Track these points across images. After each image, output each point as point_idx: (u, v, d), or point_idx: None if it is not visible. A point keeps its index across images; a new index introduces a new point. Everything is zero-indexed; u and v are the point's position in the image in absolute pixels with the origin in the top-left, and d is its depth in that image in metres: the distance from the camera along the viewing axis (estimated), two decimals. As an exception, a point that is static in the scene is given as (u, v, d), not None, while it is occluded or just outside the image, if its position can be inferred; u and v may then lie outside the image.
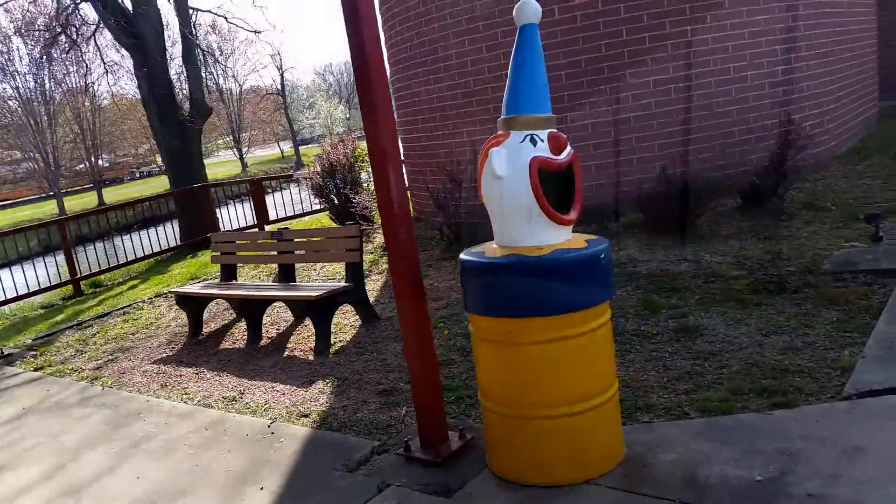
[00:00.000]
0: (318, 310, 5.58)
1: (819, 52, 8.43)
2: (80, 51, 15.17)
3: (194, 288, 6.74)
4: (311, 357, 5.59)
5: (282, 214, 12.94)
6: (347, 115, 67.53)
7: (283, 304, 6.59)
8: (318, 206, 11.74)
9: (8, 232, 11.35)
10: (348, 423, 4.27)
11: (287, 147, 63.67)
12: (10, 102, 41.24)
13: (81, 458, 4.33)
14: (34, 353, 7.22)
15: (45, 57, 27.33)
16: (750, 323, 4.75)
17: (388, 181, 3.41)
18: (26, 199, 51.49)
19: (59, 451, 4.49)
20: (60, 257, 11.30)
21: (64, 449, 4.51)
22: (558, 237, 3.18)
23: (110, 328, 7.75)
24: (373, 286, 7.16)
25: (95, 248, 12.11)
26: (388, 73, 3.46)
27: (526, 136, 3.12)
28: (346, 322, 6.21)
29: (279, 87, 58.94)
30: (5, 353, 7.20)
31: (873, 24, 11.45)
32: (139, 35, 11.81)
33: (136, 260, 11.92)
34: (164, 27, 13.03)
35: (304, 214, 12.90)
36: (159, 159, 50.01)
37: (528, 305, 3.06)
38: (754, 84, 7.80)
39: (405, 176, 3.69)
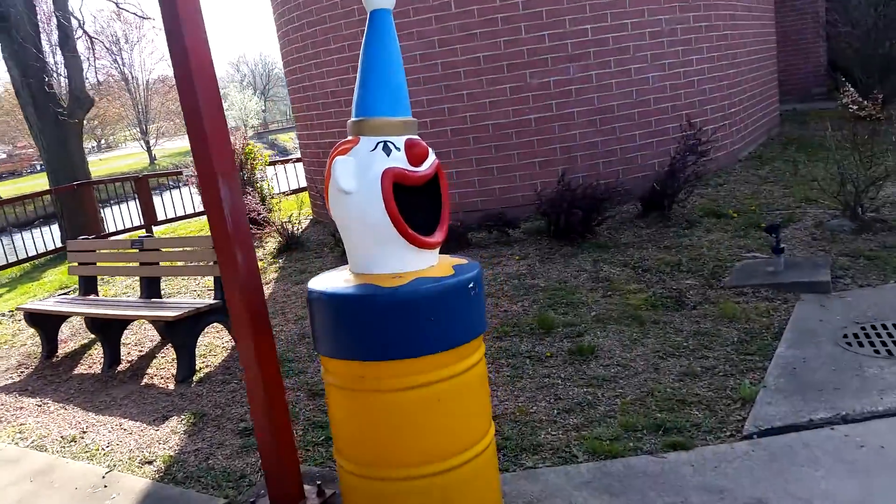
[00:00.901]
0: (179, 331, 4.94)
1: (720, 55, 8.30)
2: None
3: (46, 304, 5.95)
4: (171, 386, 4.94)
5: (172, 215, 12.03)
6: (263, 108, 65.50)
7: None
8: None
9: None
10: (196, 473, 3.68)
11: (199, 139, 61.18)
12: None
13: None
14: None
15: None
16: (647, 343, 4.43)
17: (220, 199, 2.85)
18: None
19: None
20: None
21: None
22: (420, 263, 2.70)
23: (-46, 348, 6.83)
24: (255, 299, 6.54)
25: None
26: (215, 73, 2.86)
27: (378, 143, 2.63)
28: (219, 343, 5.59)
29: (189, 77, 56.66)
30: None
31: (772, 28, 11.55)
32: (4, 16, 10.65)
33: (9, 265, 10.82)
34: (37, 9, 11.87)
35: (197, 215, 12.04)
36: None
37: (380, 346, 2.57)
38: (655, 87, 7.57)
39: (240, 193, 3.01)
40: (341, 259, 7.39)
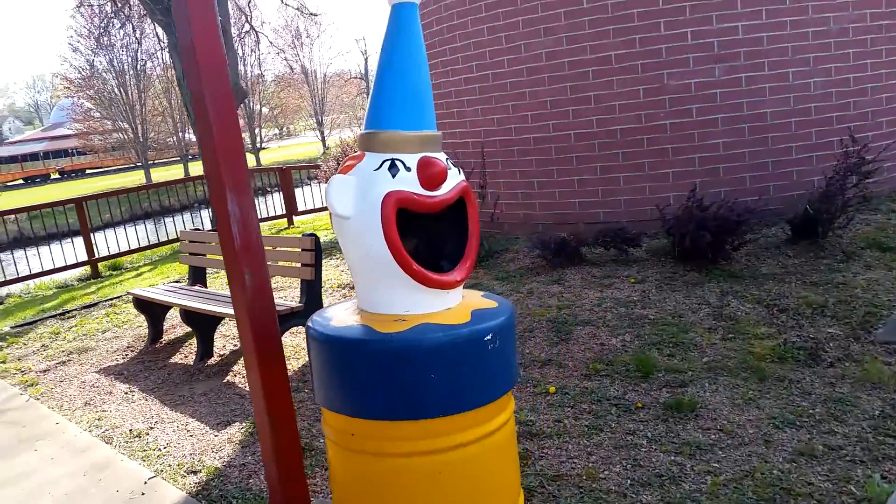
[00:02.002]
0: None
1: (912, 57, 7.01)
2: (134, 28, 14.91)
3: (151, 291, 6.11)
4: (248, 387, 4.84)
5: (310, 206, 12.32)
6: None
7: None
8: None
9: (22, 209, 11.14)
10: (232, 492, 3.48)
11: (368, 131, 63.85)
12: (105, 75, 42.75)
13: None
14: (1, 343, 6.80)
15: (102, 34, 27.80)
16: (763, 405, 3.67)
17: (227, 214, 2.56)
18: (116, 168, 53.54)
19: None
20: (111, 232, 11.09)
21: None
22: (432, 305, 2.26)
23: (87, 322, 7.27)
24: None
25: (137, 229, 11.88)
26: (228, 81, 2.55)
27: (384, 161, 2.22)
28: (304, 347, 5.43)
29: (363, 71, 59.22)
30: (-31, 343, 6.79)
31: None
32: (166, 10, 11.32)
33: (158, 244, 11.58)
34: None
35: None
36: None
37: (369, 402, 2.17)
38: (818, 94, 6.50)
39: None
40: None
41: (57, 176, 55.88)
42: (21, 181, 54.24)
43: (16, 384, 5.44)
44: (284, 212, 12.11)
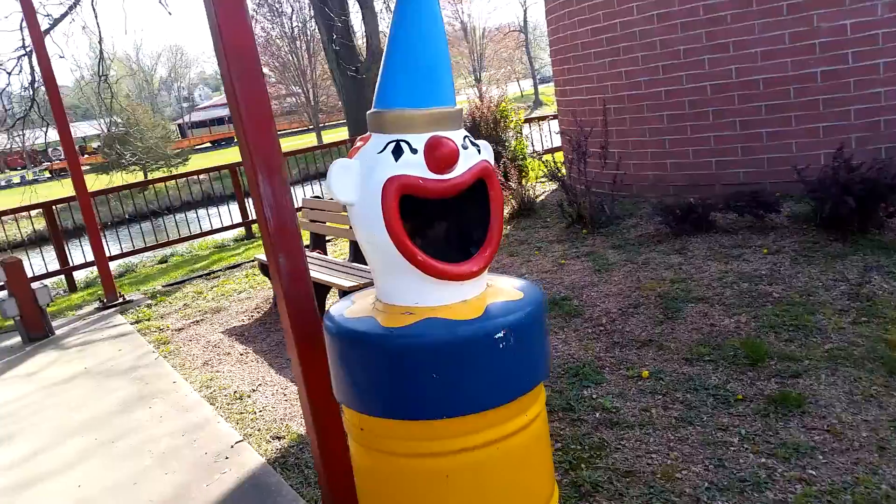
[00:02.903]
0: (354, 303, 4.87)
1: None
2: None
3: (274, 256, 6.36)
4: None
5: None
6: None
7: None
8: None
9: (191, 173, 12.06)
10: (308, 460, 3.55)
11: (527, 86, 62.92)
12: (279, 41, 45.26)
13: (60, 445, 4.12)
14: (151, 302, 7.44)
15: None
16: (888, 404, 3.16)
17: (260, 196, 2.52)
18: (289, 131, 56.96)
19: (52, 430, 4.34)
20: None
21: (58, 429, 4.35)
22: (445, 296, 2.09)
23: (228, 282, 7.77)
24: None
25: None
26: (257, 57, 2.48)
27: (389, 142, 2.05)
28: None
29: (521, 23, 58.18)
30: (127, 299, 7.49)
31: None
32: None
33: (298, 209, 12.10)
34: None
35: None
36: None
37: (372, 398, 2.06)
38: None
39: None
40: (567, 230, 6.75)
41: (240, 139, 60.46)
42: (209, 144, 59.24)
43: (152, 342, 5.93)
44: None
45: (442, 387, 1.97)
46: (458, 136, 2.10)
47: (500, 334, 1.99)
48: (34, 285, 6.35)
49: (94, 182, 26.06)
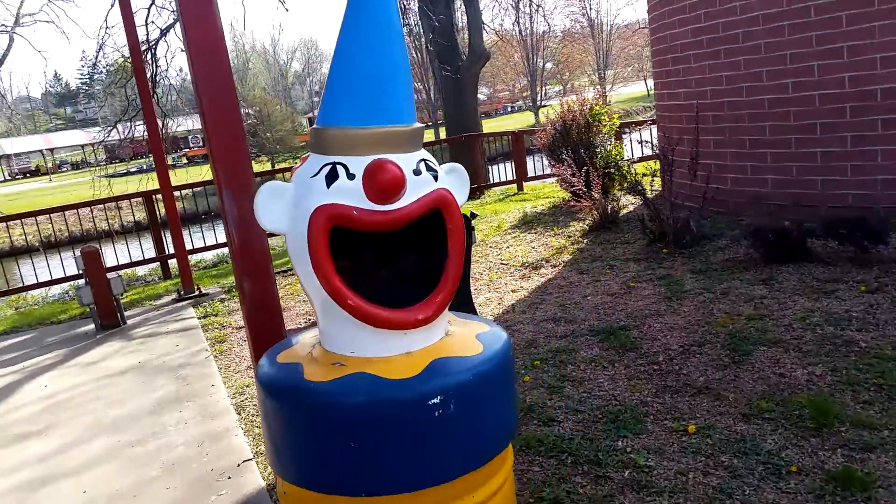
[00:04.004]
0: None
1: None
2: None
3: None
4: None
5: (540, 172, 11.88)
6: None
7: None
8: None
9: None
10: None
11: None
12: (406, 38, 46.06)
13: (85, 444, 4.11)
14: (225, 296, 7.52)
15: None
16: None
17: (226, 216, 2.30)
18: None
19: (85, 426, 4.34)
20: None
21: (91, 425, 4.35)
22: (386, 346, 1.81)
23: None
24: (526, 281, 5.88)
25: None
26: (231, 79, 2.25)
27: (325, 164, 1.76)
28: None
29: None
30: (203, 292, 7.62)
31: None
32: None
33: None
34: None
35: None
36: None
37: (289, 462, 1.79)
38: None
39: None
40: (647, 249, 6.21)
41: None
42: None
43: (209, 339, 5.94)
44: (515, 177, 11.83)
45: (362, 459, 1.66)
46: (409, 159, 1.79)
47: (436, 400, 1.66)
48: (109, 275, 6.54)
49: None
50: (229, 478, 3.54)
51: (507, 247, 7.30)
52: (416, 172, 1.78)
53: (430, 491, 1.70)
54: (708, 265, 5.50)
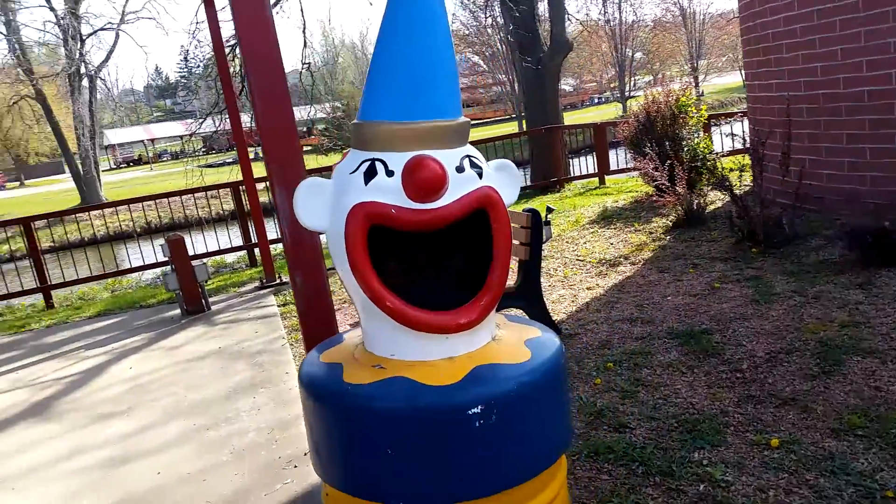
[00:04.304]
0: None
1: None
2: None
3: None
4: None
5: (624, 165, 11.54)
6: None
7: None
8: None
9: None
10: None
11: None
12: (489, 30, 45.84)
13: (163, 426, 4.22)
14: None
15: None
16: None
17: (278, 207, 2.28)
18: (494, 119, 57.59)
19: (164, 409, 4.47)
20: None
21: (169, 408, 4.47)
22: (427, 350, 1.74)
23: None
24: (601, 284, 5.69)
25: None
26: (281, 65, 2.22)
27: (364, 161, 1.70)
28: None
29: (749, 8, 53.97)
30: (284, 280, 7.78)
31: None
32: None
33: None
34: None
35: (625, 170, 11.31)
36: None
37: (330, 466, 1.75)
38: None
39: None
40: (735, 247, 5.91)
41: (445, 125, 62.18)
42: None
43: (287, 327, 6.05)
44: (596, 170, 11.55)
45: (398, 466, 1.61)
46: (452, 156, 1.71)
47: (477, 410, 1.58)
48: (194, 263, 6.77)
49: (311, 162, 28.09)
50: (295, 466, 3.58)
51: (585, 242, 7.12)
52: (460, 169, 1.70)
53: (477, 503, 1.63)
54: (800, 267, 5.18)
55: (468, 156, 1.76)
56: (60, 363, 5.69)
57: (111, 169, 54.56)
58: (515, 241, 4.72)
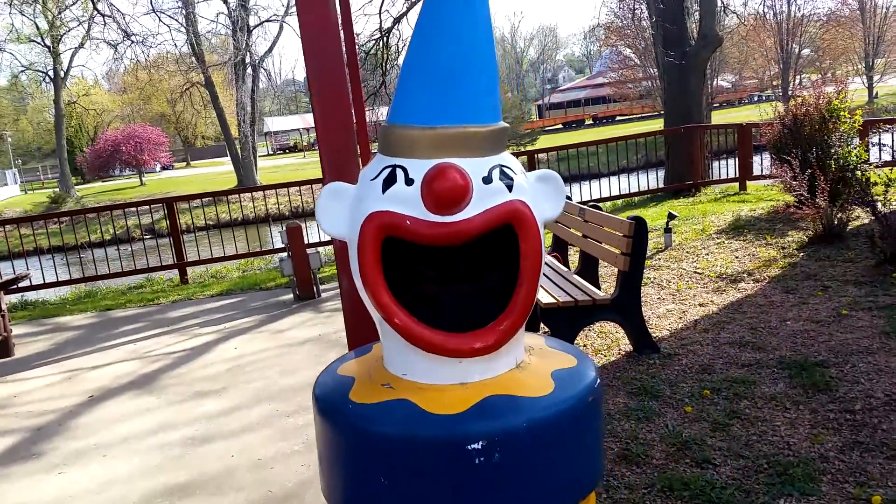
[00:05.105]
0: (555, 321, 4.37)
1: None
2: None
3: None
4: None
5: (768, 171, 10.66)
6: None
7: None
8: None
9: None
10: None
11: (944, 77, 52.55)
12: (644, 22, 44.25)
13: (249, 409, 4.33)
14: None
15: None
16: None
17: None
18: (641, 115, 55.60)
19: (254, 392, 4.60)
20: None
21: (259, 391, 4.59)
22: (438, 374, 1.63)
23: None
24: (714, 302, 5.26)
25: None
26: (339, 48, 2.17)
27: (386, 167, 1.60)
28: (613, 339, 4.69)
29: (939, 1, 48.58)
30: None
31: None
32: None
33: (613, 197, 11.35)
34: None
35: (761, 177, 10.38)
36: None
37: (334, 485, 1.68)
38: None
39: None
40: (875, 270, 5.28)
41: (590, 122, 60.85)
42: (560, 126, 60.72)
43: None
44: (737, 175, 10.77)
45: (393, 496, 1.50)
46: (480, 164, 1.56)
47: (477, 446, 1.44)
48: (309, 250, 6.98)
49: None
50: None
51: (707, 254, 6.63)
52: (487, 180, 1.55)
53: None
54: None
55: (500, 165, 1.61)
56: (175, 338, 6.06)
57: (268, 155, 58.03)
58: (615, 250, 4.45)
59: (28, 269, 7.79)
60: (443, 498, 1.47)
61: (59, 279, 9.42)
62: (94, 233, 16.95)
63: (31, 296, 8.70)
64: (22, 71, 42.97)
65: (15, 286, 7.33)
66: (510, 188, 1.58)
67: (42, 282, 8.83)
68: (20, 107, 51.05)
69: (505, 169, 1.60)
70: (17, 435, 4.31)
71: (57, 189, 38.71)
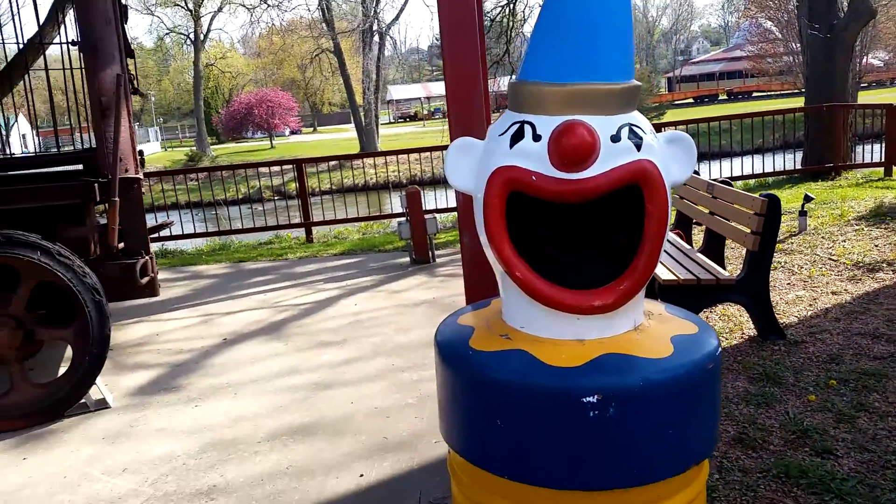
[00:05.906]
0: (675, 300, 4.27)
1: None
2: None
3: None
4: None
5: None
6: None
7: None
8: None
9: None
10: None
11: None
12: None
13: (366, 361, 4.52)
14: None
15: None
16: None
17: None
18: (779, 92, 52.22)
19: (371, 346, 4.76)
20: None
21: (377, 346, 4.75)
22: (555, 329, 1.67)
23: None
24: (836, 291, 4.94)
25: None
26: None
27: (514, 123, 1.63)
28: (736, 323, 4.53)
29: None
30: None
31: None
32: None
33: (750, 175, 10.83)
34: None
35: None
36: None
37: (452, 428, 1.77)
38: None
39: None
40: None
41: (724, 97, 57.79)
42: (691, 100, 58.04)
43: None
44: (883, 158, 9.97)
45: (507, 440, 1.56)
46: (608, 123, 1.57)
47: (592, 399, 1.47)
48: (426, 216, 7.13)
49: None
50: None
51: (844, 240, 6.23)
52: (615, 139, 1.55)
53: (583, 494, 1.53)
54: None
55: (630, 124, 1.61)
56: (301, 291, 6.41)
57: (389, 122, 59.24)
58: (745, 229, 4.28)
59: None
60: (556, 447, 1.51)
61: (197, 231, 10.13)
62: (230, 191, 18.03)
63: (170, 245, 9.42)
64: (167, 34, 45.90)
65: (158, 234, 7.95)
66: (639, 147, 1.57)
67: (181, 232, 9.52)
68: (163, 68, 54.68)
69: (634, 128, 1.59)
70: (160, 369, 4.72)
71: (194, 147, 41.34)
